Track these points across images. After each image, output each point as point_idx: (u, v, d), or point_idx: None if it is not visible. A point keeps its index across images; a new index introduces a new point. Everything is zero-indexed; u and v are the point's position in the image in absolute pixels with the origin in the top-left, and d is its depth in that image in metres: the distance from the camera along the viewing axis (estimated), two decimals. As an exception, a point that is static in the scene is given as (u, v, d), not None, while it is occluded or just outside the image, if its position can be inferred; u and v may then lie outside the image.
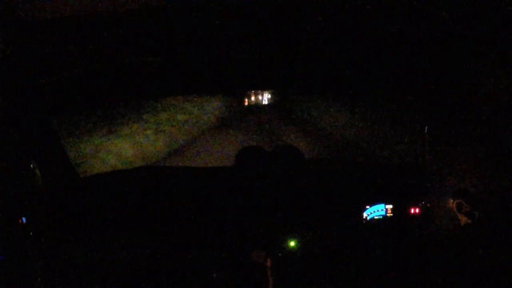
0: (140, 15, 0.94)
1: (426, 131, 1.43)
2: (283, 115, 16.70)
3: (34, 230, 1.23)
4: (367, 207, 1.52)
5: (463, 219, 1.24)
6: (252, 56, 1.31)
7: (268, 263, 1.43)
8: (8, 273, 1.10)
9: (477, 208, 1.18)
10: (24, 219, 1.18)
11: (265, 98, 27.17)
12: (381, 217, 1.53)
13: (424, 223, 1.51)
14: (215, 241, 1.51)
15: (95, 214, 1.54)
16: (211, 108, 14.32)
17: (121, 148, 6.99)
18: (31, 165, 1.22)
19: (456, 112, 1.24)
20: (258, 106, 25.01)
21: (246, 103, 25.29)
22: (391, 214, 1.53)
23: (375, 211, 1.53)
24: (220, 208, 1.55)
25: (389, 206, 1.53)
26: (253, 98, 26.73)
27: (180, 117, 10.61)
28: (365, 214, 1.52)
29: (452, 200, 1.28)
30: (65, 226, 1.48)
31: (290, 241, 1.47)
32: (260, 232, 1.51)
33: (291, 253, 1.47)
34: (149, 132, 8.39)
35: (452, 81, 1.22)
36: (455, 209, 1.27)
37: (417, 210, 1.52)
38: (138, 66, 1.31)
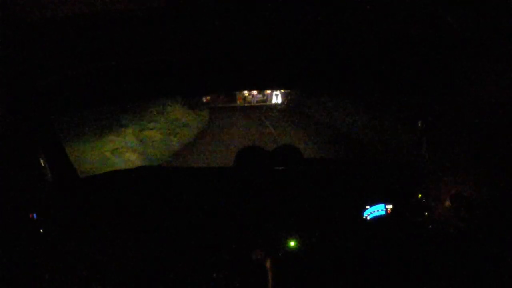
0: (140, 15, 0.95)
1: (422, 129, 1.43)
2: (286, 113, 16.69)
3: (44, 226, 1.22)
4: (367, 207, 1.52)
5: (460, 223, 1.23)
6: (255, 55, 1.31)
7: (268, 263, 1.43)
8: (15, 269, 1.10)
9: (475, 213, 1.18)
10: (35, 215, 1.17)
11: (268, 96, 27.19)
12: (381, 217, 1.53)
13: (424, 222, 1.50)
14: (215, 241, 1.51)
15: (95, 214, 1.54)
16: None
17: (123, 149, 6.99)
18: (41, 160, 1.21)
19: (456, 113, 1.24)
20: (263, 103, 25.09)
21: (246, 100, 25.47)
22: (391, 214, 1.53)
23: (375, 211, 1.53)
24: (220, 208, 1.55)
25: (389, 206, 1.53)
26: (256, 94, 26.73)
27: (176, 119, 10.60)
28: (365, 214, 1.52)
29: (449, 203, 1.28)
30: (65, 226, 1.49)
31: (290, 241, 1.47)
32: (260, 232, 1.51)
33: (291, 253, 1.47)
34: (148, 132, 8.40)
35: (452, 81, 1.21)
36: (452, 212, 1.26)
37: (417, 210, 1.52)
38: (139, 66, 1.31)
